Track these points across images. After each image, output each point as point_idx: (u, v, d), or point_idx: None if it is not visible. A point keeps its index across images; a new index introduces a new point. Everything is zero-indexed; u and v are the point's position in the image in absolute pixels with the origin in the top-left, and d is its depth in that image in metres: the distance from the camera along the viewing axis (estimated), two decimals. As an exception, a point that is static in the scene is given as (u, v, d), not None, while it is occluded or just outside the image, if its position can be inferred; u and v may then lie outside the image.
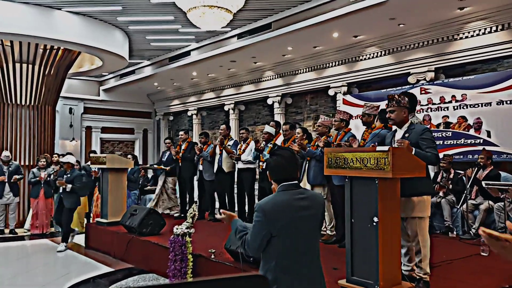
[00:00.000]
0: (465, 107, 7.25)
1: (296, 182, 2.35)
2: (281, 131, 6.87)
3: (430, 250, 3.70)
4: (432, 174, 7.04)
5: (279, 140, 6.82)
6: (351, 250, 3.48)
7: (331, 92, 9.57)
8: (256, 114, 12.07)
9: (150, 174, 10.87)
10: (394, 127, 3.98)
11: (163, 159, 8.21)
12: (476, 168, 6.33)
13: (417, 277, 3.61)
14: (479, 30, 7.11)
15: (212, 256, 4.73)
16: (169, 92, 14.51)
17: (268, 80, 11.02)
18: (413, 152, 3.46)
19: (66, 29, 8.68)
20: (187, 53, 10.57)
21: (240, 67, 10.93)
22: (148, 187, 9.88)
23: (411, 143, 3.52)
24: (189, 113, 14.07)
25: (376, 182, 3.30)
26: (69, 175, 7.01)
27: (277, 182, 2.34)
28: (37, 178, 8.47)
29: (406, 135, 3.67)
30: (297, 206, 2.26)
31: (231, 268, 4.41)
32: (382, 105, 7.89)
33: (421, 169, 3.43)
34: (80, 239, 7.52)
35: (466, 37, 7.27)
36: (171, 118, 15.48)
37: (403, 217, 3.62)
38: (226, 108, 12.50)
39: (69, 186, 6.86)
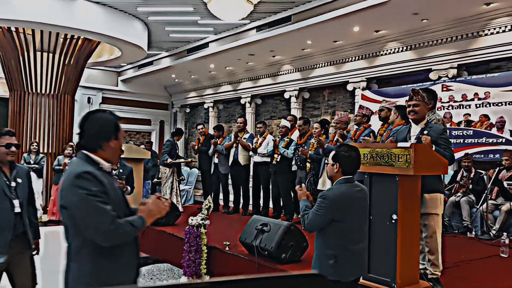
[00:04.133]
0: (487, 105, 7.07)
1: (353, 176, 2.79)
2: (296, 126, 6.81)
3: (446, 249, 3.67)
4: (451, 173, 6.91)
5: (295, 135, 6.77)
6: (368, 247, 3.42)
7: (349, 87, 9.45)
8: (272, 108, 12.01)
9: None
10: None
11: (177, 151, 8.03)
12: (498, 168, 6.18)
13: (434, 277, 3.55)
14: (505, 26, 6.92)
15: (227, 248, 4.72)
16: (186, 84, 14.54)
17: (285, 74, 10.93)
18: (433, 149, 3.41)
19: (86, 18, 8.74)
20: (205, 45, 10.55)
21: (258, 60, 10.87)
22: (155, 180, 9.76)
23: (431, 140, 3.48)
24: (205, 106, 14.08)
25: (397, 179, 3.24)
26: (121, 171, 5.01)
27: (343, 173, 2.73)
28: (61, 167, 8.57)
29: (425, 132, 3.60)
30: (356, 197, 2.72)
31: (246, 261, 4.40)
32: (401, 101, 7.82)
33: (443, 167, 3.36)
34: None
35: (492, 33, 7.08)
36: (188, 110, 15.52)
37: None
38: (242, 101, 12.46)
39: (129, 188, 4.93)
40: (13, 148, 2.95)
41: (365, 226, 2.84)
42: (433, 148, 3.43)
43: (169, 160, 7.48)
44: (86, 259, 1.84)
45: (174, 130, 8.46)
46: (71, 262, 1.90)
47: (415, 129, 3.70)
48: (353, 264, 2.70)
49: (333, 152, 2.79)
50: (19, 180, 2.99)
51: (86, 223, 1.81)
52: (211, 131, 8.72)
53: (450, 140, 3.67)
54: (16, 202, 2.92)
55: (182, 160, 8.15)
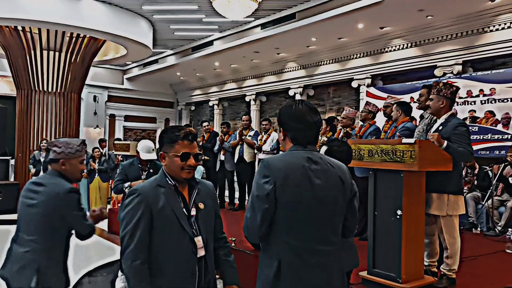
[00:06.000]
0: (493, 101, 7.06)
1: None
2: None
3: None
4: (456, 170, 6.90)
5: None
6: (373, 243, 3.45)
7: (354, 84, 9.46)
8: (277, 106, 12.03)
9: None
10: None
11: None
12: (503, 165, 6.18)
13: (441, 273, 3.55)
14: (511, 22, 6.90)
15: (233, 244, 4.76)
16: (192, 82, 14.59)
17: (290, 71, 10.95)
18: (444, 145, 3.31)
19: (92, 17, 8.80)
20: (210, 43, 10.58)
21: (263, 58, 10.89)
22: None
23: (443, 137, 3.37)
24: (210, 104, 14.12)
25: (401, 175, 3.26)
26: (152, 171, 4.56)
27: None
28: None
29: (440, 127, 3.53)
30: None
31: (251, 257, 4.44)
32: (406, 98, 7.83)
33: (447, 163, 3.36)
34: (103, 224, 7.67)
35: (497, 29, 7.06)
36: (193, 108, 15.58)
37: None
38: (247, 99, 12.50)
39: None
40: (192, 161, 1.93)
41: None
42: (444, 145, 3.32)
43: None
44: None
45: None
46: (335, 259, 1.82)
47: (437, 124, 3.62)
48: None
49: (325, 147, 2.82)
50: (200, 206, 1.98)
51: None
52: (216, 129, 8.76)
53: (466, 134, 3.45)
54: (198, 241, 1.92)
55: None
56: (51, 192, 2.38)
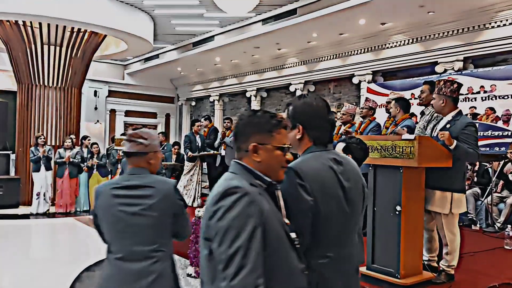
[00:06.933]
0: (494, 98, 7.05)
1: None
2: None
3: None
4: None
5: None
6: (372, 238, 3.47)
7: (355, 80, 9.44)
8: (278, 101, 12.03)
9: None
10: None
11: (197, 144, 8.03)
12: (503, 161, 6.19)
13: (440, 268, 3.57)
14: (512, 19, 6.89)
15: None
16: (192, 78, 14.57)
17: (291, 67, 10.93)
18: (453, 145, 3.29)
19: (93, 12, 8.78)
20: (211, 38, 10.56)
21: (264, 53, 10.87)
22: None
23: (451, 136, 3.34)
24: (211, 99, 14.11)
25: (401, 170, 3.27)
26: None
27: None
28: (63, 159, 8.67)
29: (448, 125, 3.48)
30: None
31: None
32: (407, 94, 7.82)
33: (447, 160, 3.36)
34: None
35: (498, 26, 7.04)
36: (193, 103, 15.57)
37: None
38: (248, 94, 12.49)
39: None
40: (290, 155, 1.51)
41: None
42: (454, 145, 3.28)
43: (190, 153, 7.64)
44: None
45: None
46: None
47: (442, 122, 3.59)
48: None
49: (343, 144, 2.81)
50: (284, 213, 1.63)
51: None
52: (216, 124, 8.78)
53: (475, 134, 3.42)
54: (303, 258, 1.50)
55: (204, 153, 8.13)
56: (162, 191, 2.04)
